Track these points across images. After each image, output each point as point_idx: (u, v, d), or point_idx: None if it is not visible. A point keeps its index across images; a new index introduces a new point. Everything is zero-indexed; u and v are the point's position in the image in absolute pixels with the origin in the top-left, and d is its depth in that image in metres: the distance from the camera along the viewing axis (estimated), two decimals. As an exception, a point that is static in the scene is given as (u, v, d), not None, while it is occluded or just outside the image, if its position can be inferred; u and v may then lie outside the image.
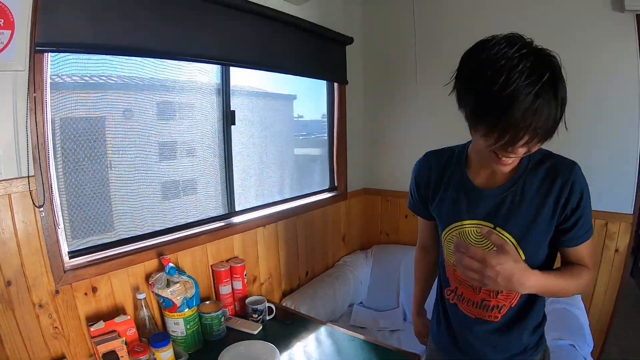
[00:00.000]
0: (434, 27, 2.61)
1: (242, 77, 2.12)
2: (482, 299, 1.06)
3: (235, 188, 2.05)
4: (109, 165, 1.53)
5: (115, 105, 1.54)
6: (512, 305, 1.04)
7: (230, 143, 2.00)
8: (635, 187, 2.13)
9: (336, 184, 2.83)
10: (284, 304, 2.12)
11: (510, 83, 0.74)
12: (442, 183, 1.10)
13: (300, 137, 2.76)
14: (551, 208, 0.95)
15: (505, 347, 1.09)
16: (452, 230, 1.07)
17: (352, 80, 2.73)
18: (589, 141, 2.18)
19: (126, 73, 1.57)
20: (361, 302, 2.67)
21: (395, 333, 2.37)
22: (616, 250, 2.20)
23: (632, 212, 2.15)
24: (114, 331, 1.33)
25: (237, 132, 2.04)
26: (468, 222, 1.03)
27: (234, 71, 1.99)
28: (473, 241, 1.03)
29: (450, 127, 2.58)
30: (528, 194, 0.96)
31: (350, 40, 2.59)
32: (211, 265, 1.82)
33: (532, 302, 1.05)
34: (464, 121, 2.54)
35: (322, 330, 1.71)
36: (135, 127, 1.62)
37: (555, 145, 2.16)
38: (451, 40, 2.54)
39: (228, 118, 1.96)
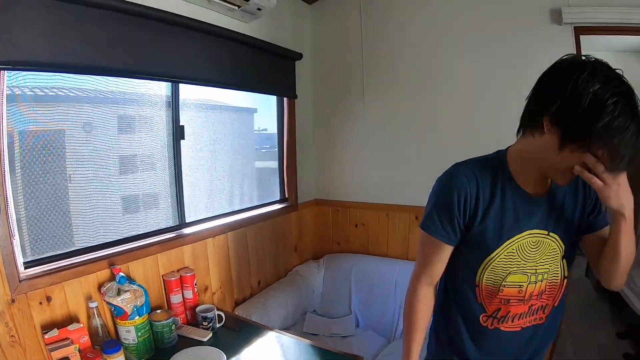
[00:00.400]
0: (380, 43, 2.91)
1: (201, 91, 2.32)
2: (529, 305, 1.13)
3: (185, 200, 2.21)
4: (68, 179, 1.68)
5: (71, 118, 1.69)
6: (555, 305, 1.17)
7: (179, 156, 2.16)
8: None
9: (287, 196, 3.04)
10: (236, 313, 2.30)
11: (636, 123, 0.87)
12: (495, 196, 1.10)
13: (263, 150, 2.98)
14: (581, 202, 1.13)
15: (544, 345, 1.23)
16: (512, 244, 1.09)
17: (302, 94, 2.98)
18: None
19: (81, 85, 1.72)
20: (314, 310, 2.88)
21: (346, 339, 2.59)
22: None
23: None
24: (67, 339, 1.46)
25: (187, 145, 2.21)
26: (526, 232, 1.09)
27: (191, 85, 2.19)
28: (530, 251, 1.10)
29: (394, 139, 2.90)
30: (567, 196, 1.13)
31: (299, 56, 2.83)
32: (162, 275, 1.97)
33: (564, 301, 1.20)
34: (409, 132, 2.86)
35: (270, 337, 1.89)
36: (91, 140, 1.77)
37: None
38: (396, 55, 2.85)
39: (177, 132, 2.13)
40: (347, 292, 2.87)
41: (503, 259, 1.10)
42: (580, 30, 2.39)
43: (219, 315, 1.97)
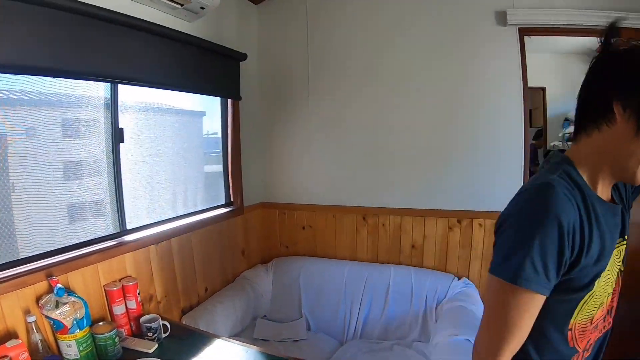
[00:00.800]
0: (326, 44, 3.05)
1: (144, 93, 2.34)
2: (603, 312, 1.04)
3: (126, 206, 2.22)
4: (11, 187, 1.66)
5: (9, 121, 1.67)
6: (617, 304, 1.10)
7: (119, 160, 2.16)
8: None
9: (232, 199, 3.10)
10: (183, 322, 2.34)
11: None
12: (591, 216, 0.93)
13: (213, 154, 3.01)
14: (623, 188, 1.09)
15: None
16: (611, 265, 0.98)
17: (248, 96, 3.05)
18: (479, 146, 2.75)
19: (14, 87, 1.69)
20: (264, 315, 2.96)
21: (298, 343, 2.69)
22: (509, 246, 2.73)
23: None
24: (5, 356, 1.44)
25: (128, 148, 2.22)
26: (615, 246, 1.00)
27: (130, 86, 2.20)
28: (615, 265, 1.02)
29: (340, 140, 3.06)
30: (621, 193, 1.09)
31: (243, 57, 2.89)
32: (103, 285, 1.96)
33: None
34: (354, 133, 3.04)
35: (218, 345, 1.94)
36: (28, 146, 1.75)
37: (451, 151, 2.69)
38: (342, 56, 3.01)
39: (117, 135, 2.13)
40: (297, 296, 2.98)
41: (602, 287, 0.97)
42: (524, 31, 2.62)
43: (164, 325, 2.00)
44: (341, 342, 2.79)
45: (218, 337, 2.03)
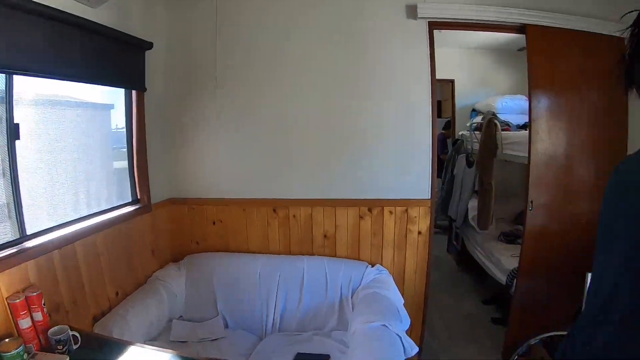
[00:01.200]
0: (235, 35, 3.07)
1: (42, 84, 2.20)
2: None
3: (24, 210, 2.07)
4: None
5: None
6: None
7: (15, 160, 2.02)
8: (430, 174, 2.90)
9: (139, 196, 3.01)
10: (95, 330, 2.26)
11: None
12: None
13: (124, 150, 2.88)
14: None
15: None
16: None
17: (154, 87, 2.97)
18: (389, 136, 2.96)
19: None
20: (180, 316, 2.93)
21: (216, 342, 2.71)
22: (419, 233, 2.97)
23: (429, 197, 2.92)
24: None
25: (24, 146, 2.07)
26: None
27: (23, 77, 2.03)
28: None
29: (248, 132, 3.16)
30: None
31: (149, 46, 2.80)
32: (6, 298, 1.84)
33: None
34: (262, 125, 3.15)
35: (133, 352, 1.91)
36: None
37: (360, 141, 2.86)
38: (251, 47, 3.07)
39: (12, 131, 1.98)
40: (212, 293, 2.99)
41: None
42: (434, 25, 2.84)
43: (73, 335, 1.92)
44: (260, 337, 2.86)
45: (132, 344, 2.00)
